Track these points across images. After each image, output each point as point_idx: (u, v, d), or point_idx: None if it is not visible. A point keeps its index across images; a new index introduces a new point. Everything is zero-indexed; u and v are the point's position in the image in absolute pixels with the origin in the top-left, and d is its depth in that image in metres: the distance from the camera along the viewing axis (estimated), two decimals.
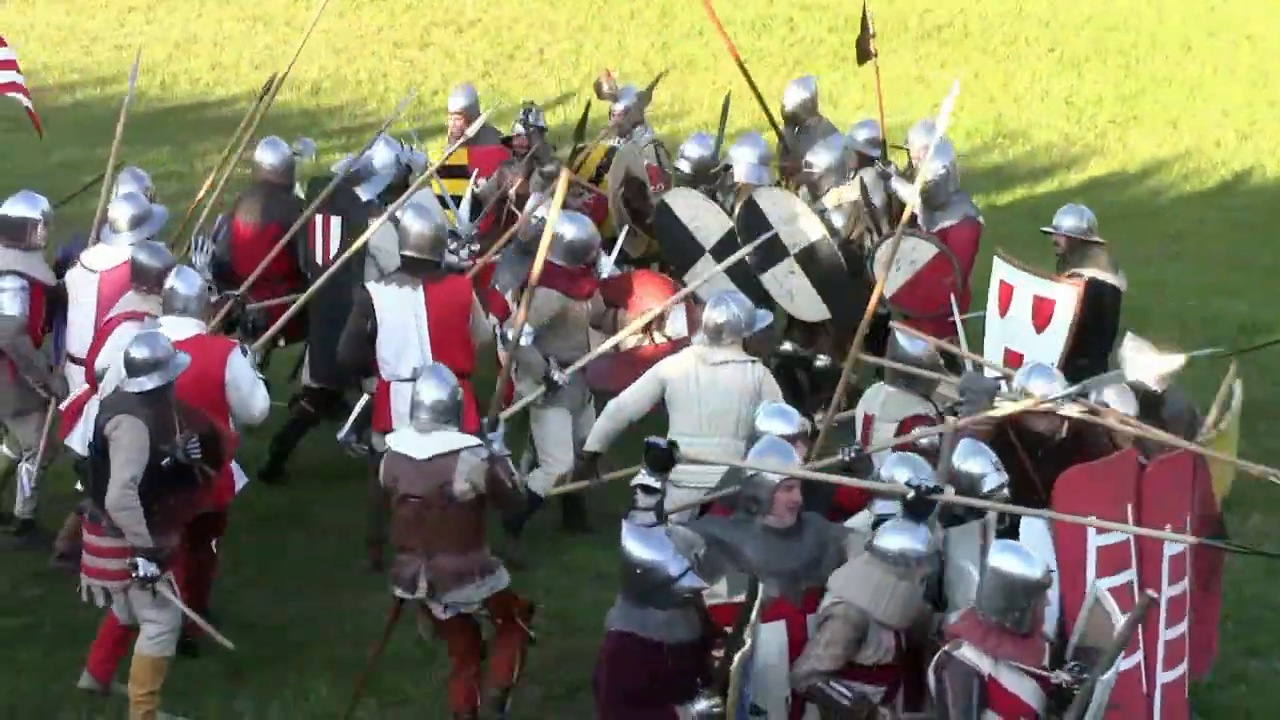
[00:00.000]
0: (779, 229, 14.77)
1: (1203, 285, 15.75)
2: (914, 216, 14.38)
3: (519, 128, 16.52)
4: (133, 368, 11.25)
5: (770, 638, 9.74)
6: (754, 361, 12.27)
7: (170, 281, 12.46)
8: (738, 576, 9.78)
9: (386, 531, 11.83)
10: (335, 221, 14.62)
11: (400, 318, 13.21)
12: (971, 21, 29.22)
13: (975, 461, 10.36)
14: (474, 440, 11.14)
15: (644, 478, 10.55)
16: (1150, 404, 11.58)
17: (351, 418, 13.22)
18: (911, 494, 9.76)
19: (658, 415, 12.51)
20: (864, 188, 15.42)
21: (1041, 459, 10.81)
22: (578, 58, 26.61)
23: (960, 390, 11.67)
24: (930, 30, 28.90)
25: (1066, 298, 13.33)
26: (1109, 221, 15.42)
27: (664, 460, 10.54)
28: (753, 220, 14.83)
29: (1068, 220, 14.60)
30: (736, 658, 9.22)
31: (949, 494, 10.09)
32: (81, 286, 13.42)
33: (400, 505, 11.12)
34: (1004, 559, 9.17)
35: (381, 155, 15.36)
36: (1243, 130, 25.21)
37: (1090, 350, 13.52)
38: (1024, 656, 9.13)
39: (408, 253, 13.35)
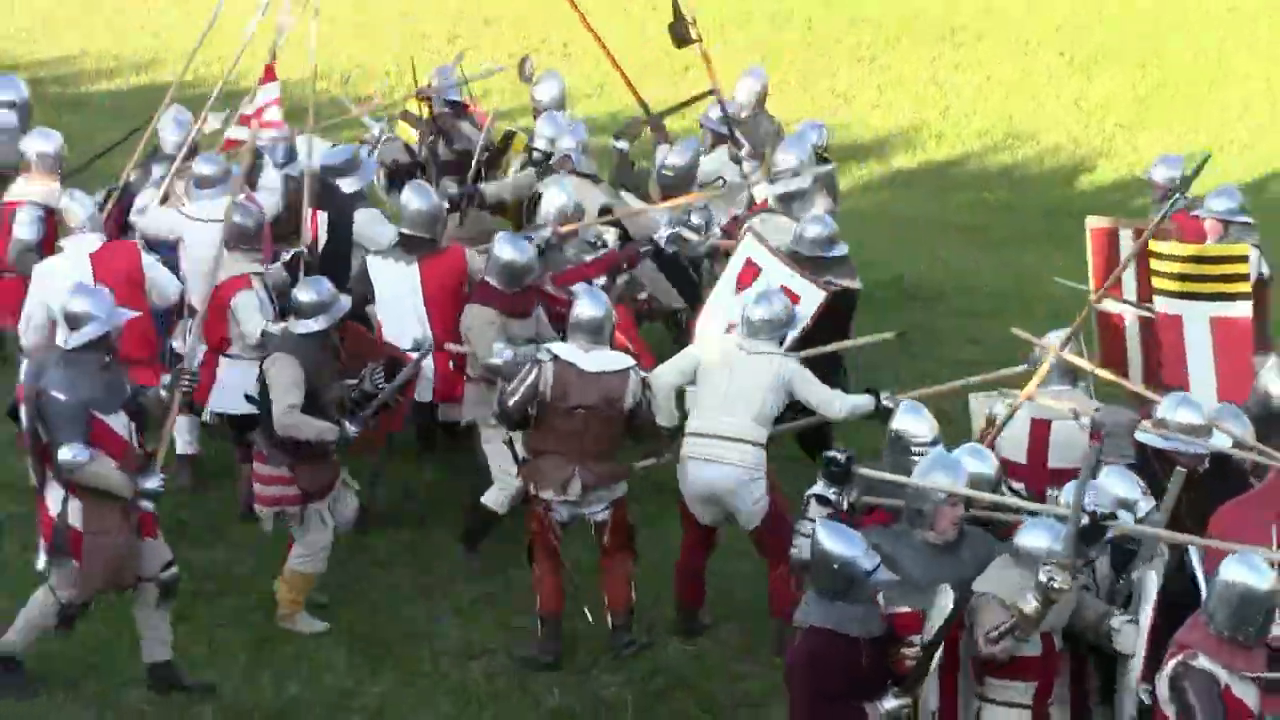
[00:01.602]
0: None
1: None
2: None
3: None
4: (300, 311, 12.17)
5: None
6: (786, 355, 12.29)
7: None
8: (895, 589, 9.78)
9: None
10: (322, 216, 14.58)
11: (396, 291, 13.34)
12: (985, 25, 29.17)
13: (1124, 487, 10.36)
14: (633, 360, 12.20)
15: (821, 489, 10.58)
16: None
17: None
18: (1086, 520, 9.67)
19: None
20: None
21: (1186, 489, 10.59)
22: (598, 52, 26.58)
23: (1097, 424, 11.56)
24: (945, 33, 28.85)
25: (812, 299, 13.33)
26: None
27: (843, 474, 10.53)
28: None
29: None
30: (934, 661, 9.37)
31: (1124, 522, 10.06)
32: (195, 235, 13.72)
33: (565, 414, 11.96)
34: (1236, 571, 9.11)
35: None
36: (1246, 136, 25.18)
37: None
38: (1252, 666, 9.10)
39: (405, 229, 13.49)
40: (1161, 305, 13.06)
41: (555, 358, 12.09)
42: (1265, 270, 14.42)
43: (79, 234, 13.45)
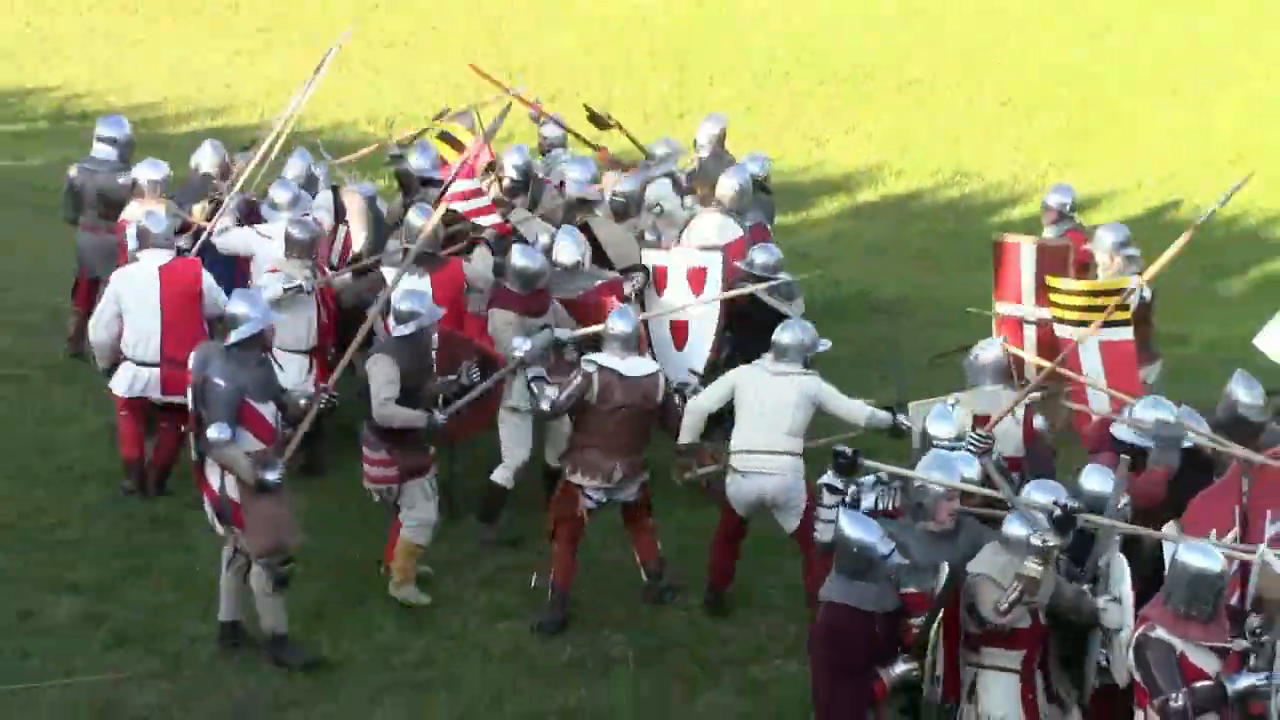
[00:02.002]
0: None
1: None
2: None
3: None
4: (398, 316, 12.14)
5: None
6: (810, 374, 12.12)
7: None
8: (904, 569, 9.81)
9: None
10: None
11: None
12: (937, 76, 29.12)
13: (1100, 483, 10.27)
14: (658, 365, 12.44)
15: (830, 479, 10.41)
16: (1252, 430, 11.44)
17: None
18: (1058, 512, 9.58)
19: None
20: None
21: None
22: (608, 99, 26.55)
23: (1154, 437, 11.19)
24: (903, 84, 28.79)
25: (715, 267, 13.69)
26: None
27: (849, 466, 10.38)
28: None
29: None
30: (935, 630, 9.40)
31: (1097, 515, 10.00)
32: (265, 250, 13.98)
33: (608, 414, 12.03)
34: (1189, 555, 9.13)
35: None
36: (1164, 174, 25.10)
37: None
38: (1209, 636, 9.05)
39: (411, 245, 13.42)
40: (1060, 331, 13.18)
41: (600, 367, 12.10)
42: (1148, 294, 14.40)
43: (153, 249, 13.47)
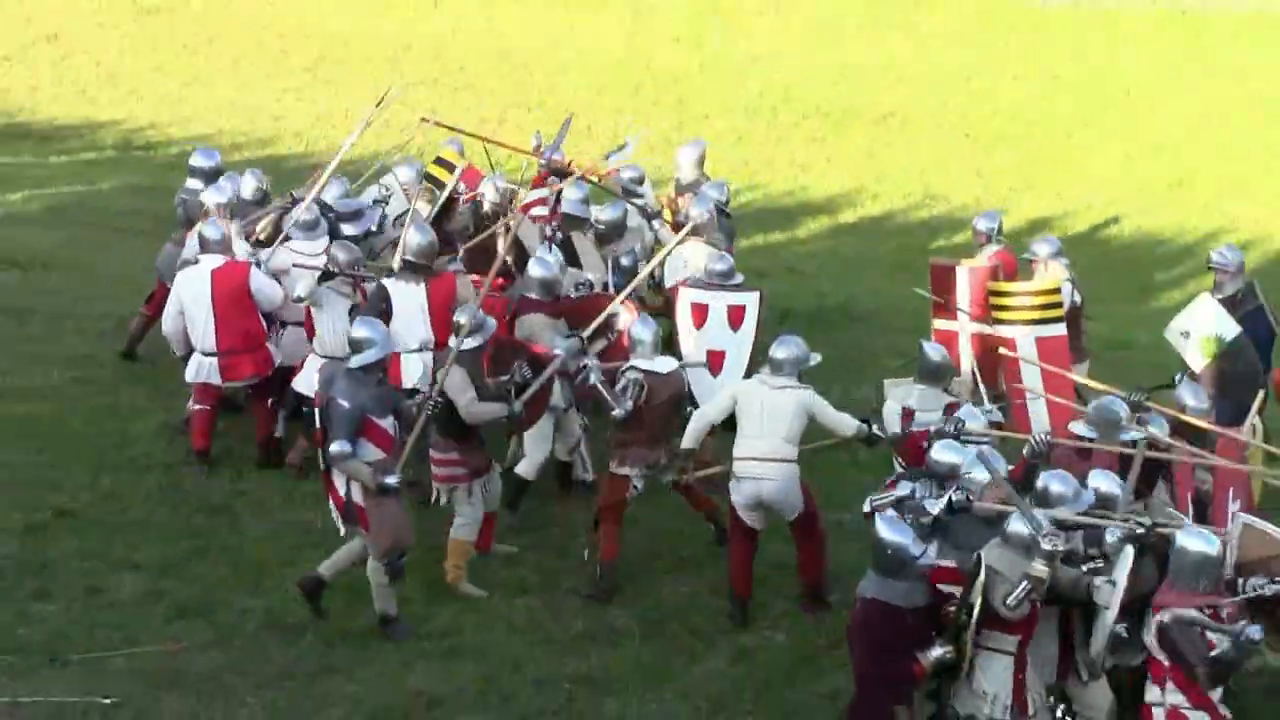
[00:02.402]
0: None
1: None
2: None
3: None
4: (458, 330, 12.05)
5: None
6: (806, 388, 11.90)
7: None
8: (943, 544, 9.80)
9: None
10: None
11: (407, 306, 13.12)
12: (908, 111, 29.06)
13: (1106, 484, 10.23)
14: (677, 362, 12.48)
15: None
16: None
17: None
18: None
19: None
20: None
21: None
22: (616, 132, 26.52)
23: (1089, 422, 11.25)
24: (877, 118, 28.73)
25: (753, 302, 13.50)
26: (1021, 265, 15.27)
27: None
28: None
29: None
30: (975, 613, 9.27)
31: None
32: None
33: (652, 409, 12.08)
34: (1189, 541, 9.19)
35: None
36: (1107, 198, 25.05)
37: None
38: (1208, 602, 9.12)
39: (409, 258, 13.27)
40: (1001, 330, 13.13)
41: (644, 371, 12.13)
42: (1078, 298, 14.41)
43: (210, 254, 13.56)
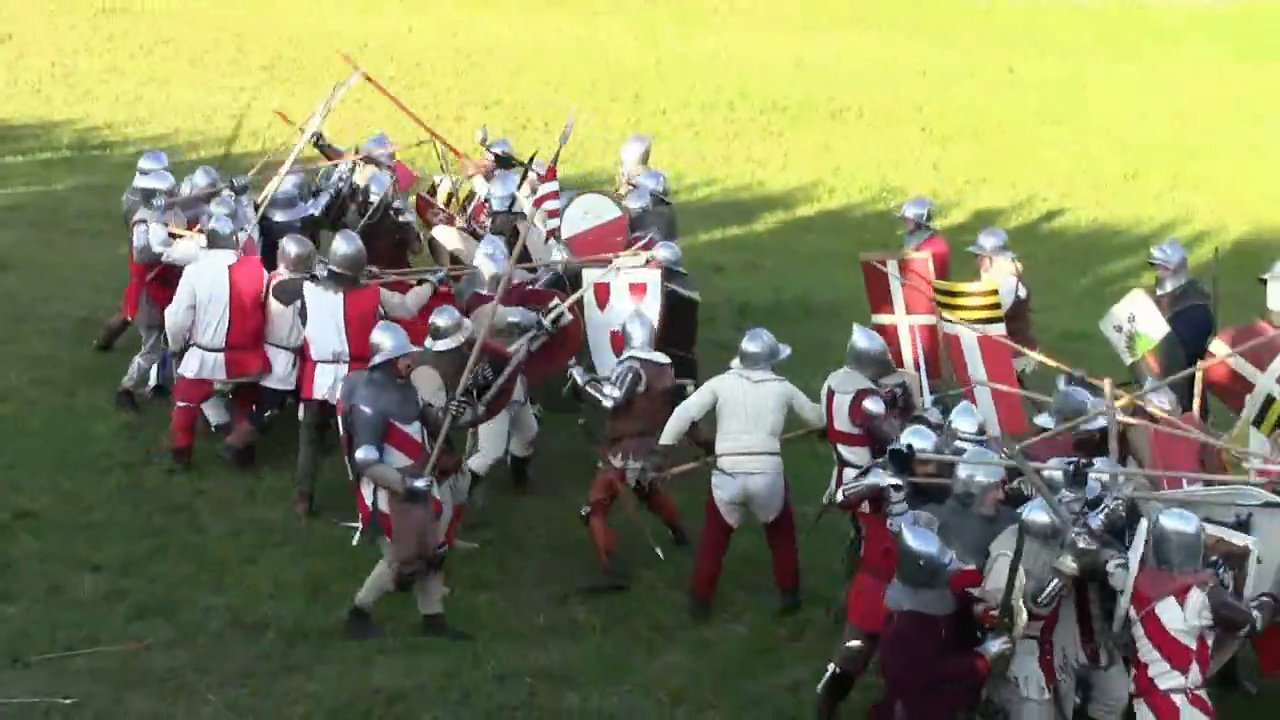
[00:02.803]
0: None
1: (1034, 305, 15.83)
2: None
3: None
4: (436, 333, 12.12)
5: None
6: (783, 380, 11.95)
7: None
8: (960, 549, 9.68)
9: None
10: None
11: (321, 315, 12.99)
12: (864, 105, 29.18)
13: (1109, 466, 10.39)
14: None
15: (890, 479, 10.17)
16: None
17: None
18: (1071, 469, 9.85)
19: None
20: None
21: None
22: (574, 130, 26.47)
23: (1055, 409, 11.40)
24: (835, 112, 28.84)
25: (654, 280, 13.58)
26: (970, 255, 15.33)
27: (905, 463, 10.23)
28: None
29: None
30: (1020, 616, 9.32)
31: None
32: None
33: (648, 398, 12.13)
34: (1171, 522, 9.31)
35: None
36: (1062, 190, 25.19)
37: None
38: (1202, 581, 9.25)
39: (332, 266, 13.04)
40: (947, 328, 13.14)
41: (642, 361, 12.18)
42: (1023, 292, 14.47)
43: (219, 250, 13.53)
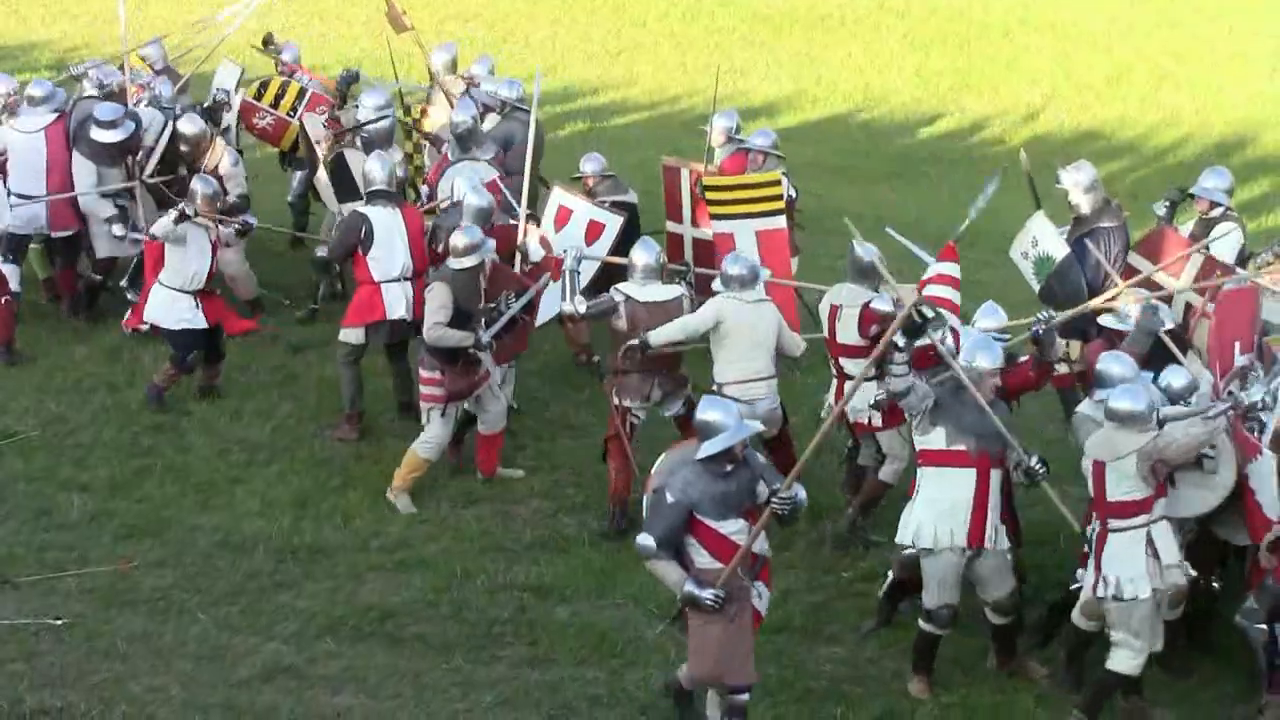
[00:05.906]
0: None
1: (1014, 206, 15.68)
2: None
3: None
4: (455, 250, 11.88)
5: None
6: (769, 300, 11.73)
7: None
8: (951, 430, 9.91)
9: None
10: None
11: (391, 236, 12.82)
12: (846, 13, 28.95)
13: (1178, 380, 10.42)
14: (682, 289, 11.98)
15: (897, 337, 9.91)
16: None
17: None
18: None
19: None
20: None
21: None
22: (554, 42, 26.33)
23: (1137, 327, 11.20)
24: (816, 20, 28.59)
25: (613, 226, 13.25)
26: (952, 163, 15.21)
27: (920, 328, 10.07)
28: None
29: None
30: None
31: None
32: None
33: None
34: (1119, 403, 9.65)
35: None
36: (1045, 95, 25.05)
37: None
38: None
39: (380, 187, 12.87)
40: (717, 226, 12.82)
41: (627, 298, 11.77)
42: (793, 192, 14.07)
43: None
